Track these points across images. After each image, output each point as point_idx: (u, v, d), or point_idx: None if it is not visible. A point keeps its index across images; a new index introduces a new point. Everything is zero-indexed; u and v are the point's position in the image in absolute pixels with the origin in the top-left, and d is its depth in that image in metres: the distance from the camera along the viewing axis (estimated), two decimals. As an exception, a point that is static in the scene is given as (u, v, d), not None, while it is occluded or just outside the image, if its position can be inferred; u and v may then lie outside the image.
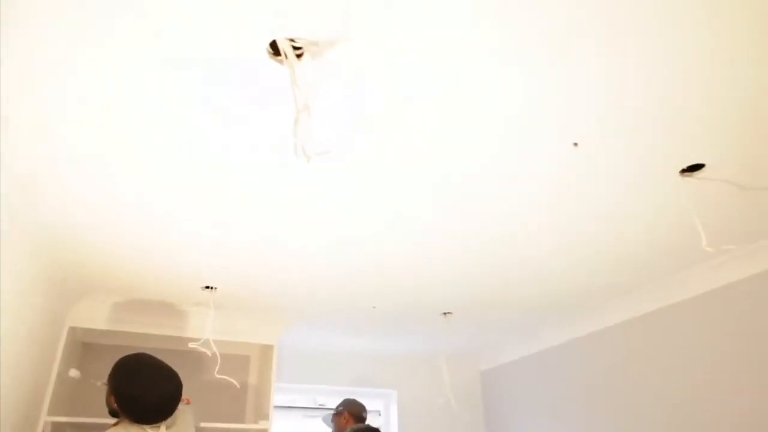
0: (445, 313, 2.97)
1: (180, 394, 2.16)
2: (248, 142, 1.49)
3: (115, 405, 2.08)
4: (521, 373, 3.71)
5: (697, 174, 1.68)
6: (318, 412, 3.64)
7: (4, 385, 2.03)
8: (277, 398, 2.93)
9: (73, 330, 2.69)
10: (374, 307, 2.86)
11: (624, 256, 2.28)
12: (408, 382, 3.84)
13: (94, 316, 2.73)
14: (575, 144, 1.55)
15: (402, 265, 2.33)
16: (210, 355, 2.45)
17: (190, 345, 2.42)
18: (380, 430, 3.04)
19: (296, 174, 1.66)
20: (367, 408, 3.78)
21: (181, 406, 2.26)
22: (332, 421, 3.11)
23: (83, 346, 2.98)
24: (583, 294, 2.75)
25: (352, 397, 3.19)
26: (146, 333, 2.81)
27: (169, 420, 2.18)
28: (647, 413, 2.78)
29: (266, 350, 3.06)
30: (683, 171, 1.67)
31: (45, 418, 2.45)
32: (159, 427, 2.13)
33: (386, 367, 3.81)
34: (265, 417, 2.82)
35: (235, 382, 2.55)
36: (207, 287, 2.53)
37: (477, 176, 1.68)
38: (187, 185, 1.69)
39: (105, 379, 2.41)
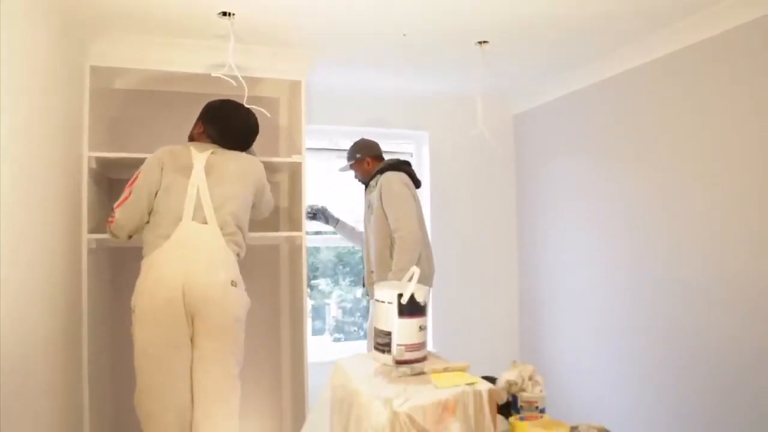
0: (480, 42, 2.77)
1: (256, 135, 2.45)
2: None
3: (197, 129, 2.38)
4: (552, 115, 3.63)
5: None
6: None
7: (39, 123, 2.03)
8: (307, 141, 2.94)
9: (95, 70, 2.62)
10: (405, 35, 2.67)
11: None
12: (440, 123, 3.81)
13: (114, 55, 2.64)
14: None
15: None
16: (235, 84, 2.39)
17: (214, 74, 2.36)
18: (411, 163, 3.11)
19: None
20: (399, 150, 3.86)
21: (249, 155, 2.46)
22: (353, 168, 3.14)
23: (110, 92, 2.95)
24: (625, 20, 2.51)
25: (367, 138, 3.18)
26: (171, 71, 2.75)
27: (227, 151, 2.33)
28: (669, 151, 2.74)
29: (295, 88, 2.98)
30: None
31: (87, 154, 2.54)
32: (211, 147, 2.30)
33: (418, 108, 3.75)
34: (299, 152, 2.86)
35: (266, 112, 2.53)
36: (224, 13, 2.36)
37: None
38: None
39: None
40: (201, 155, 2.26)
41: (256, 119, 2.44)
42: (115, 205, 2.23)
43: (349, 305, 4.30)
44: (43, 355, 2.01)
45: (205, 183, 2.20)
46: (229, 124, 2.36)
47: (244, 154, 2.42)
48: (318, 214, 3.29)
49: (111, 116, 2.95)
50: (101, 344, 2.70)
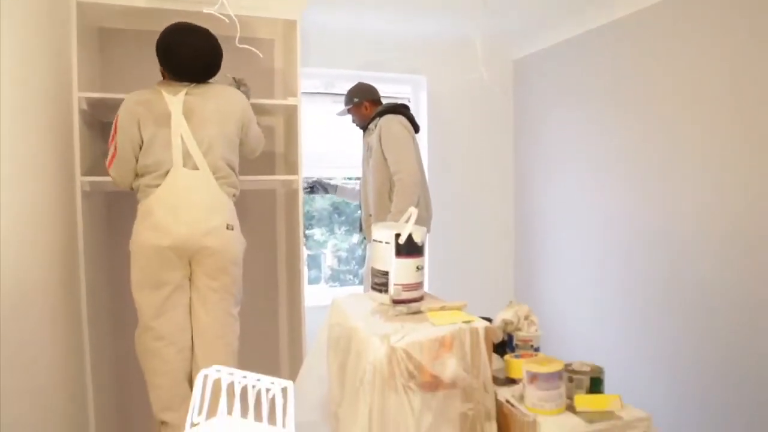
0: (481, -19, 2.68)
1: (217, 59, 2.23)
2: None
3: (160, 66, 2.23)
4: (552, 61, 3.56)
5: None
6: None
7: (27, 62, 1.95)
8: (303, 85, 2.87)
9: (81, 7, 2.52)
10: (403, -28, 2.58)
11: None
12: (438, 67, 3.73)
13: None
14: None
15: None
16: (228, 23, 2.30)
17: (205, 10, 2.27)
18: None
19: None
20: (396, 94, 3.80)
21: (229, 88, 2.32)
22: (351, 113, 3.10)
23: (99, 31, 2.86)
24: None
25: (364, 82, 3.13)
26: (161, 8, 2.63)
27: (202, 87, 2.18)
28: (670, 98, 2.70)
29: (290, 29, 2.89)
30: None
31: (78, 95, 2.47)
32: (184, 87, 2.17)
33: (416, 51, 3.66)
34: (294, 94, 2.80)
35: (258, 52, 2.45)
36: (214, -56, 2.26)
37: None
38: None
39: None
40: (176, 99, 2.15)
41: (209, 41, 2.18)
42: (106, 164, 2.21)
43: (344, 254, 4.33)
44: (42, 298, 2.01)
45: (188, 130, 2.13)
46: (179, 61, 2.14)
47: (223, 87, 2.29)
48: (315, 186, 3.31)
49: (100, 57, 2.87)
50: (99, 285, 2.71)
